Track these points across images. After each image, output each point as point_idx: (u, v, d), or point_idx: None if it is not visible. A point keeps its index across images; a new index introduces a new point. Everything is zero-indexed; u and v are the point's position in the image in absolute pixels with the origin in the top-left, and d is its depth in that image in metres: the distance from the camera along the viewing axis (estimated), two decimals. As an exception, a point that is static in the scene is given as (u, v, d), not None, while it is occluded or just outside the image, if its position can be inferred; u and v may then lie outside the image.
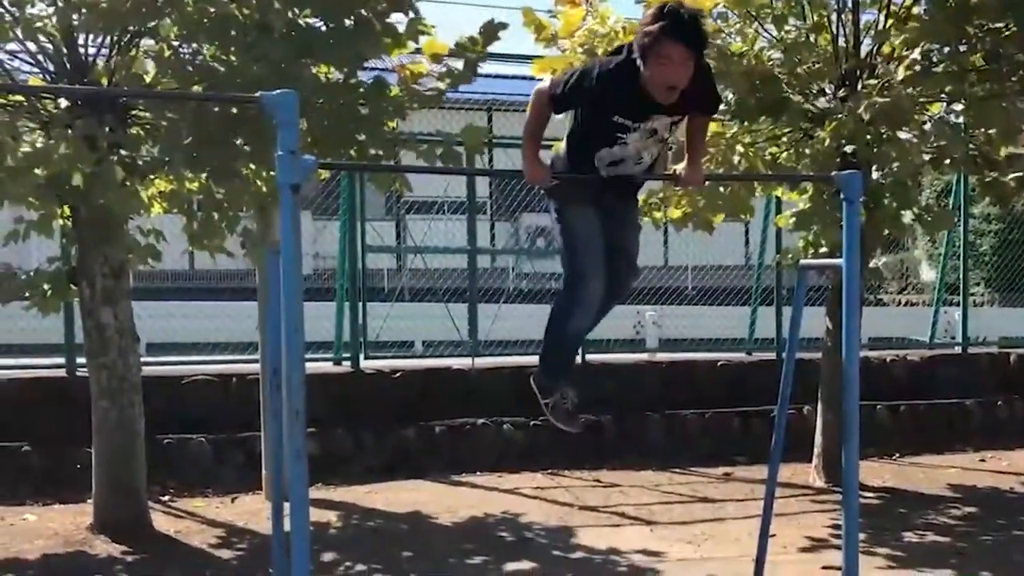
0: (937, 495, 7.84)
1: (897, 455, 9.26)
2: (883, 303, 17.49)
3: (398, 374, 8.85)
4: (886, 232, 7.58)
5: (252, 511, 7.02)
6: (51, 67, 5.56)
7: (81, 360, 7.31)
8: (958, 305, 11.63)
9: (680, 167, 4.57)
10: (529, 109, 4.33)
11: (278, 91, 3.77)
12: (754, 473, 8.16)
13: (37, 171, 5.02)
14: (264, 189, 5.58)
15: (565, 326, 4.49)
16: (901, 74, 6.39)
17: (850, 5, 6.84)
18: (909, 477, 8.45)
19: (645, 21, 4.02)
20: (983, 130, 7.19)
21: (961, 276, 11.54)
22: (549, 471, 8.34)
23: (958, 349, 11.22)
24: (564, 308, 4.48)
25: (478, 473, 8.21)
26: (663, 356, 10.47)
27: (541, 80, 5.87)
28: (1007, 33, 6.60)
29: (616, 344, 11.43)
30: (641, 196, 6.21)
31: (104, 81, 5.46)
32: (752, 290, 11.22)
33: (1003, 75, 6.78)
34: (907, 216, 7.12)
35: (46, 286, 6.02)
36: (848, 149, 6.67)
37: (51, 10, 5.22)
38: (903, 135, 6.84)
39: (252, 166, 5.56)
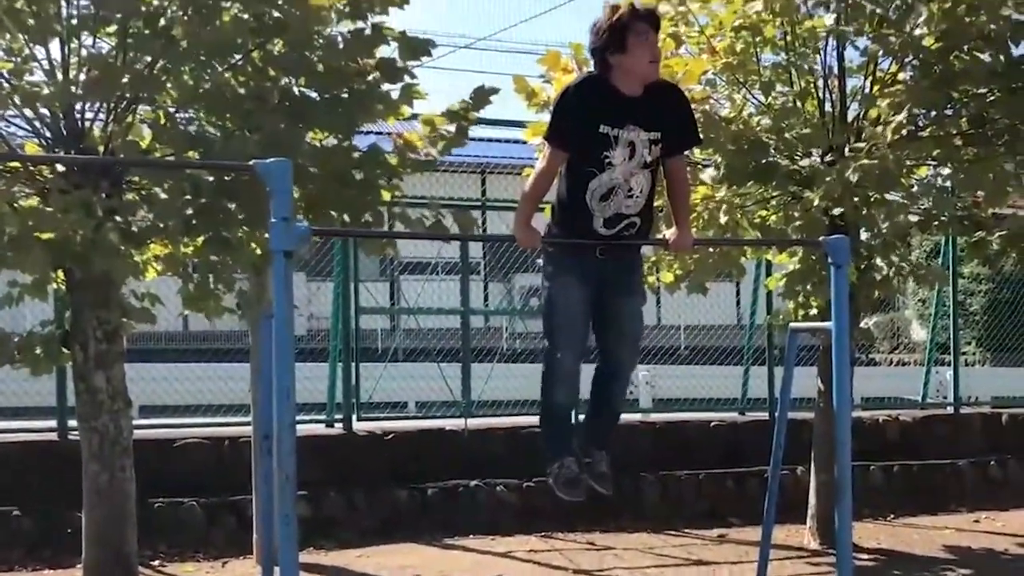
0: (932, 556, 7.81)
1: (891, 516, 9.23)
2: (875, 362, 17.53)
3: (391, 436, 8.83)
4: (876, 294, 7.63)
5: (243, 575, 6.97)
6: (48, 133, 5.61)
7: (73, 423, 7.29)
8: (950, 365, 11.66)
9: (669, 232, 4.64)
10: (531, 178, 4.41)
11: (272, 159, 3.83)
12: (749, 535, 8.12)
13: (40, 236, 5.05)
14: (259, 252, 5.62)
15: (550, 401, 4.54)
16: (889, 137, 6.48)
17: (836, 71, 6.95)
18: (904, 538, 8.42)
19: (604, 20, 4.29)
20: (971, 192, 7.27)
21: (951, 337, 11.58)
22: (543, 534, 8.29)
23: (950, 409, 11.22)
24: (545, 386, 4.55)
25: (471, 536, 8.16)
26: (656, 416, 10.47)
27: (534, 143, 5.96)
28: (992, 99, 6.70)
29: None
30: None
31: (100, 148, 5.52)
32: (744, 350, 11.25)
33: (989, 139, 6.88)
34: (888, 270, 7.15)
35: (39, 350, 6.01)
36: (836, 212, 6.74)
37: (51, 85, 5.27)
38: (891, 197, 6.93)
39: (247, 229, 5.59)
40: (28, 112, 5.59)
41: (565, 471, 4.47)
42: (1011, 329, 13.99)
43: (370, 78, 5.66)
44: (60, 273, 5.99)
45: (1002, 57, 6.67)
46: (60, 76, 5.31)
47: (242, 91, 5.42)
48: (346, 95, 5.65)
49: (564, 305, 4.43)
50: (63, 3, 5.36)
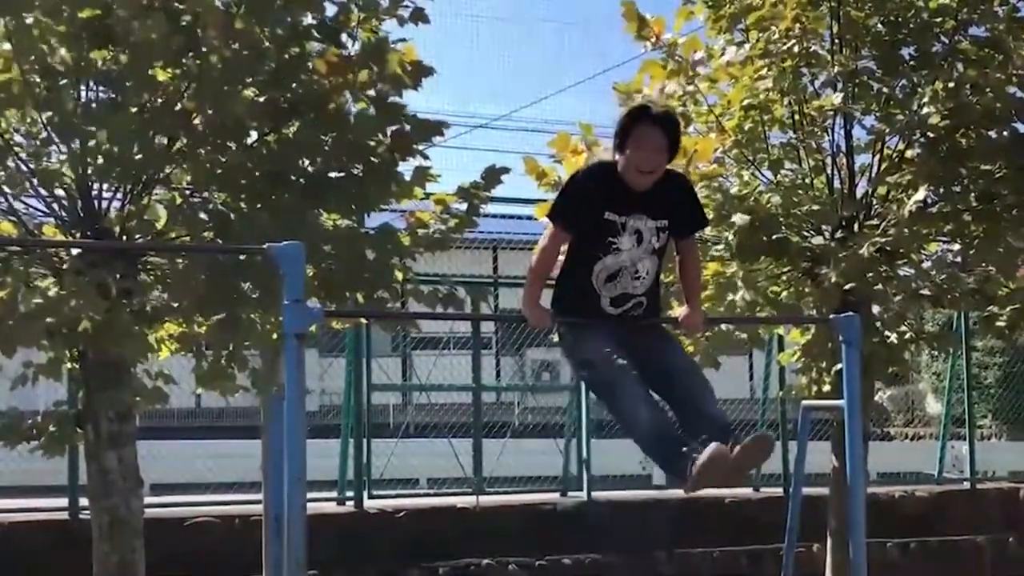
0: (952, 637, 7.69)
1: (910, 594, 9.10)
2: (890, 436, 17.39)
3: (402, 513, 8.78)
4: (889, 368, 7.59)
5: (253, 657, 6.88)
6: (64, 215, 5.68)
7: (85, 502, 7.26)
8: (965, 438, 11.57)
9: (680, 311, 4.66)
10: (535, 255, 4.45)
11: (285, 243, 3.88)
12: (764, 614, 8.01)
13: (48, 320, 5.09)
14: (274, 336, 5.64)
15: (644, 430, 4.11)
16: (905, 215, 6.51)
17: (844, 149, 7.00)
18: (922, 618, 8.30)
19: (620, 117, 4.36)
20: (983, 266, 7.27)
21: (966, 412, 11.51)
22: (555, 613, 8.20)
23: (967, 484, 11.11)
24: (633, 429, 4.15)
25: (483, 615, 8.07)
26: (671, 493, 10.38)
27: (544, 221, 6.04)
28: (999, 175, 6.74)
29: (622, 480, 11.35)
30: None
31: (116, 229, 5.58)
32: (758, 424, 11.18)
33: (997, 214, 6.90)
34: (900, 339, 7.11)
35: (52, 429, 6.02)
36: (848, 287, 6.73)
37: (65, 160, 5.35)
38: (903, 273, 6.95)
39: (260, 311, 5.62)
40: (44, 192, 5.67)
41: (698, 455, 3.90)
42: (1026, 402, 13.91)
43: (382, 151, 5.72)
44: (73, 352, 6.02)
45: (1006, 134, 6.73)
46: (76, 149, 5.36)
47: (257, 172, 5.49)
48: (359, 169, 5.71)
49: (601, 356, 4.21)
50: (82, 88, 5.45)
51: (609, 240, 4.29)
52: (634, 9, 6.82)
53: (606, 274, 4.33)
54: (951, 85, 6.52)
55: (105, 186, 5.62)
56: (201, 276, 5.38)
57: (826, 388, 7.06)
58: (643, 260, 4.34)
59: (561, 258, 4.55)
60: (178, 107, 5.35)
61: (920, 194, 6.54)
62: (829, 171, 7.04)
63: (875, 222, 6.78)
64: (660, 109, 4.37)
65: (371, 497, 9.14)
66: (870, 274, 6.57)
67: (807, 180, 6.99)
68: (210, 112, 5.28)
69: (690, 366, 4.43)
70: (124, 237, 5.54)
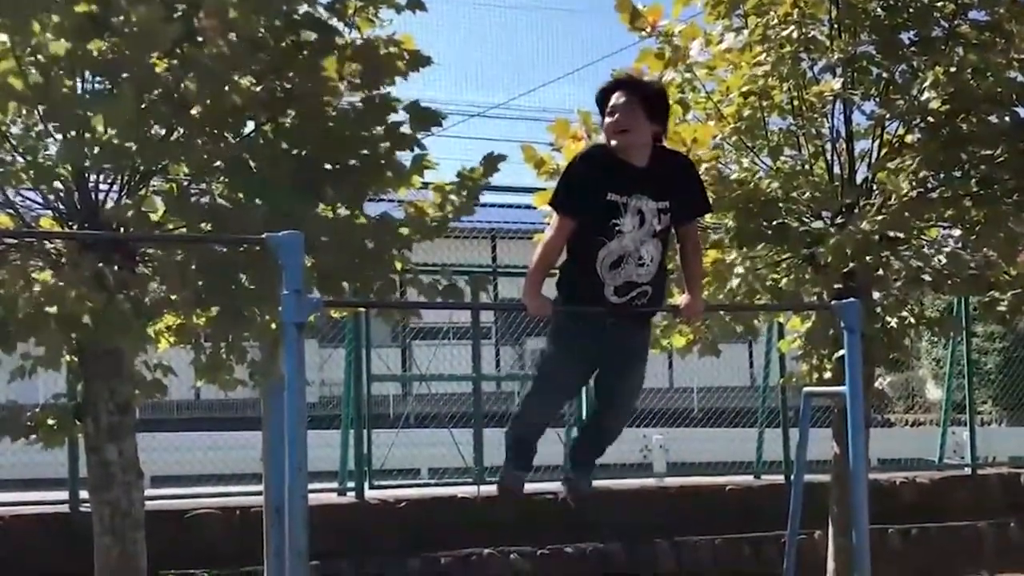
0: (954, 622, 7.70)
1: (911, 580, 9.12)
2: (890, 423, 17.40)
3: (403, 504, 8.78)
4: (890, 355, 7.58)
5: (255, 648, 6.89)
6: (62, 207, 5.66)
7: (85, 495, 7.25)
8: (966, 424, 11.57)
9: (681, 299, 4.63)
10: (540, 247, 4.42)
11: (284, 232, 3.86)
12: (766, 601, 8.02)
13: (49, 310, 5.07)
14: (273, 326, 5.62)
15: (514, 431, 4.82)
16: (904, 188, 6.47)
17: (844, 135, 6.98)
18: (924, 603, 8.31)
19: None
20: (983, 252, 7.25)
21: (967, 398, 11.51)
22: (557, 602, 8.20)
23: (968, 470, 11.12)
24: (515, 419, 4.86)
25: (485, 605, 8.07)
26: (671, 481, 10.38)
27: (544, 209, 6.03)
28: (1000, 160, 6.72)
29: (623, 469, 11.35)
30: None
31: (113, 222, 5.55)
32: (758, 412, 11.18)
33: (998, 199, 6.88)
34: (899, 324, 7.10)
35: (51, 422, 6.01)
36: (848, 268, 6.70)
37: (61, 149, 5.32)
38: (903, 254, 6.93)
39: (259, 303, 5.60)
40: (43, 186, 5.64)
41: (511, 478, 4.90)
42: (1026, 387, 13.92)
43: (380, 147, 5.70)
44: (72, 344, 6.00)
45: (1007, 118, 6.71)
46: (71, 137, 5.33)
47: (253, 163, 5.46)
48: (355, 162, 5.69)
49: (556, 377, 4.57)
50: (78, 80, 5.42)
51: (613, 222, 4.25)
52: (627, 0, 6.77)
53: (610, 260, 4.28)
54: (952, 69, 6.47)
55: (102, 178, 5.60)
56: (198, 268, 5.35)
57: (827, 375, 7.05)
58: (646, 243, 4.29)
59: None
60: (175, 96, 5.32)
61: (914, 164, 6.51)
62: (829, 157, 7.01)
63: (875, 201, 6.74)
64: (623, 75, 4.49)
65: (372, 488, 9.14)
66: (869, 257, 6.55)
67: (807, 166, 6.96)
68: (207, 102, 5.26)
69: (631, 404, 4.71)
70: (122, 229, 5.52)
